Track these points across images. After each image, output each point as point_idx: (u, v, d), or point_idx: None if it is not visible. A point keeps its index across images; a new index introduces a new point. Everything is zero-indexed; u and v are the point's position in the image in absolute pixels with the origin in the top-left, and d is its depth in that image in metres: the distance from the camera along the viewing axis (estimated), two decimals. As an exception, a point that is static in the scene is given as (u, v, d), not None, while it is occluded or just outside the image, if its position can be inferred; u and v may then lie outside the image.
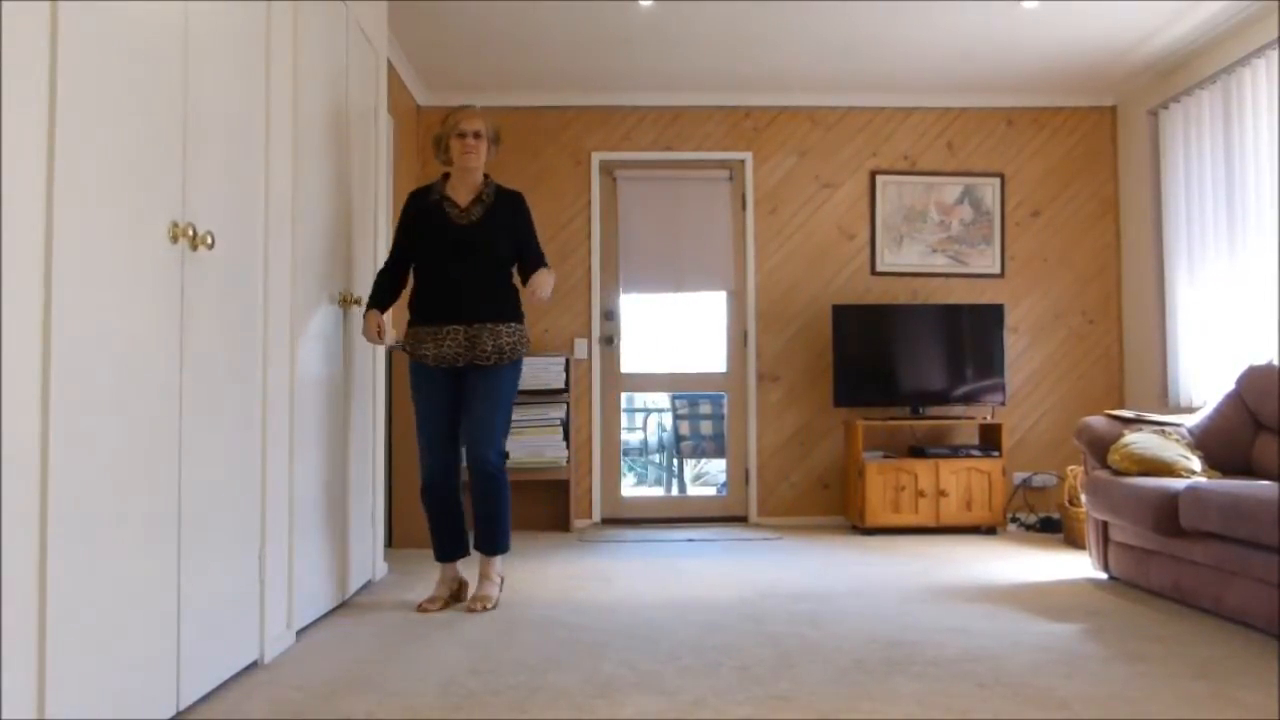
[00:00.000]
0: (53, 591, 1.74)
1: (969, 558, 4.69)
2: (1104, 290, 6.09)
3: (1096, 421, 4.25)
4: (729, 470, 6.15)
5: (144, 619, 2.08)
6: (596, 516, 5.95)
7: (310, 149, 3.23)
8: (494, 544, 3.60)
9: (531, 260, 3.64)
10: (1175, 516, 3.50)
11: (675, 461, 7.81)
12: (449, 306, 3.52)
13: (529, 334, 3.71)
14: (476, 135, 3.60)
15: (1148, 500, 3.61)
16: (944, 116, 6.11)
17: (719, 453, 6.99)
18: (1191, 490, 3.43)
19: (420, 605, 3.51)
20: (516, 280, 3.67)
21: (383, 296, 3.66)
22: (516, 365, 3.61)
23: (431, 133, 3.78)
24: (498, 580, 3.63)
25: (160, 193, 2.15)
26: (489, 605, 3.51)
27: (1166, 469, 3.88)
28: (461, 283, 3.53)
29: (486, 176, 3.68)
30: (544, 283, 3.53)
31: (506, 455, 3.66)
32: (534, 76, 5.73)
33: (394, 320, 5.29)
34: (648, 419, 8.37)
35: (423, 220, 3.60)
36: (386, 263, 3.70)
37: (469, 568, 3.81)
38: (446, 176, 3.67)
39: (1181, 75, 5.39)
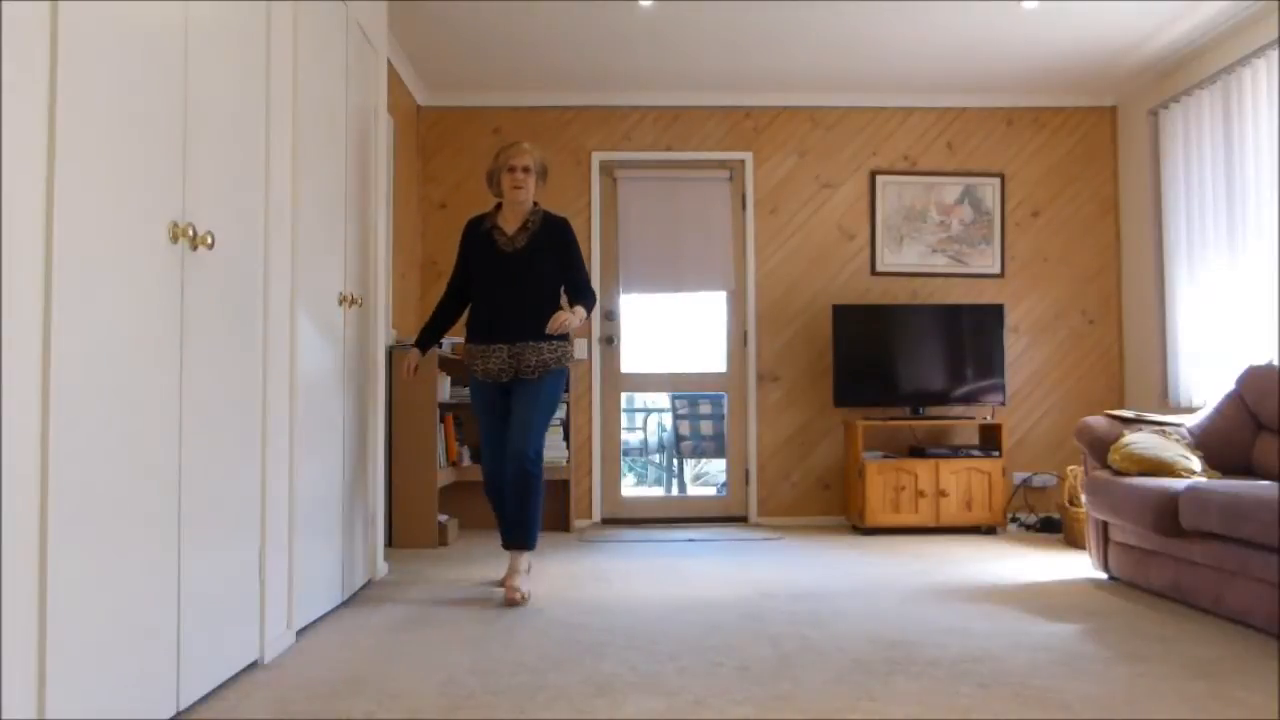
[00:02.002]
0: (53, 591, 1.74)
1: (969, 558, 4.69)
2: (1104, 290, 6.09)
3: (1096, 421, 4.25)
4: (729, 470, 6.15)
5: (144, 619, 2.08)
6: (596, 516, 5.95)
7: (310, 149, 3.23)
8: (522, 540, 3.79)
9: (574, 281, 3.91)
10: (1175, 516, 3.50)
11: (675, 461, 7.81)
12: (494, 328, 3.83)
13: (572, 348, 3.98)
14: (525, 170, 3.87)
15: (1148, 500, 3.61)
16: (944, 116, 6.11)
17: (719, 453, 6.99)
18: (1191, 490, 3.42)
19: (508, 595, 3.63)
20: (564, 300, 3.93)
21: (428, 336, 4.06)
22: (560, 374, 3.89)
23: (485, 169, 4.07)
24: (526, 573, 3.81)
25: (160, 193, 2.15)
26: (524, 598, 3.64)
27: (1166, 469, 3.88)
28: (505, 306, 3.82)
29: (535, 205, 3.95)
30: (568, 319, 3.75)
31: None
32: (534, 76, 5.73)
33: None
34: (648, 419, 8.37)
35: (475, 248, 3.93)
36: (446, 290, 4.06)
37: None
38: (499, 207, 3.97)
39: (1181, 75, 5.39)
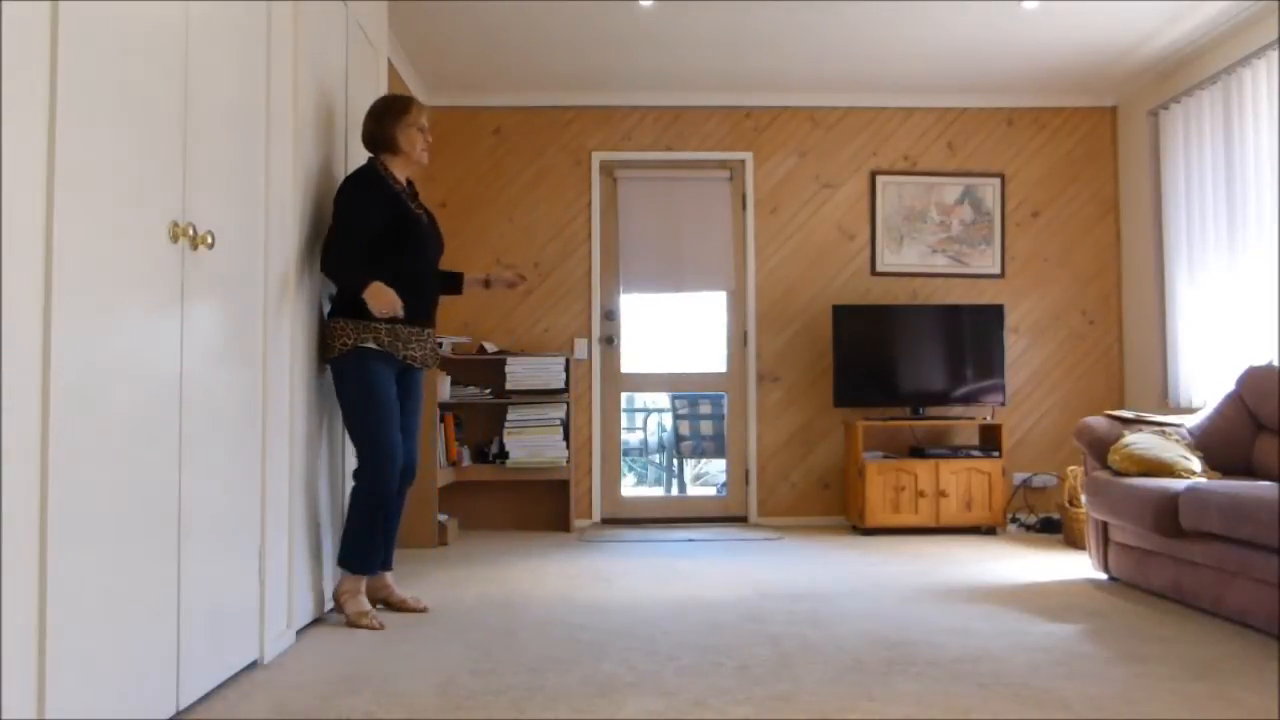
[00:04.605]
0: (53, 591, 1.74)
1: (969, 558, 4.69)
2: (1104, 290, 6.09)
3: (1096, 422, 4.25)
4: (729, 470, 6.15)
5: (144, 619, 2.08)
6: (596, 516, 5.95)
7: (310, 149, 3.23)
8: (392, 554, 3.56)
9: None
10: (1175, 517, 3.50)
11: (675, 461, 7.81)
12: (426, 306, 3.45)
13: None
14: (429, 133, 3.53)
15: (1148, 501, 3.61)
16: (944, 116, 6.11)
17: (719, 453, 6.99)
18: (1191, 490, 3.42)
19: (369, 623, 3.24)
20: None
21: (367, 271, 3.25)
22: None
23: (377, 112, 3.46)
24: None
25: (160, 193, 2.15)
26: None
27: (1166, 469, 3.88)
28: (426, 282, 3.45)
29: None
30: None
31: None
32: (534, 76, 5.73)
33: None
34: (648, 419, 8.37)
35: (395, 204, 3.35)
36: (354, 245, 3.23)
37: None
38: (379, 162, 3.42)
39: (1182, 76, 5.39)
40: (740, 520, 6.01)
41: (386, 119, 3.44)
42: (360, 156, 3.84)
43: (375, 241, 3.29)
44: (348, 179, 3.36)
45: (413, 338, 3.39)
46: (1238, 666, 2.75)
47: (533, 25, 4.98)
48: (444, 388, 5.33)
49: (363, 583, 3.36)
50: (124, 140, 1.99)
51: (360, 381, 3.28)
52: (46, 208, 1.74)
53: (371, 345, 3.27)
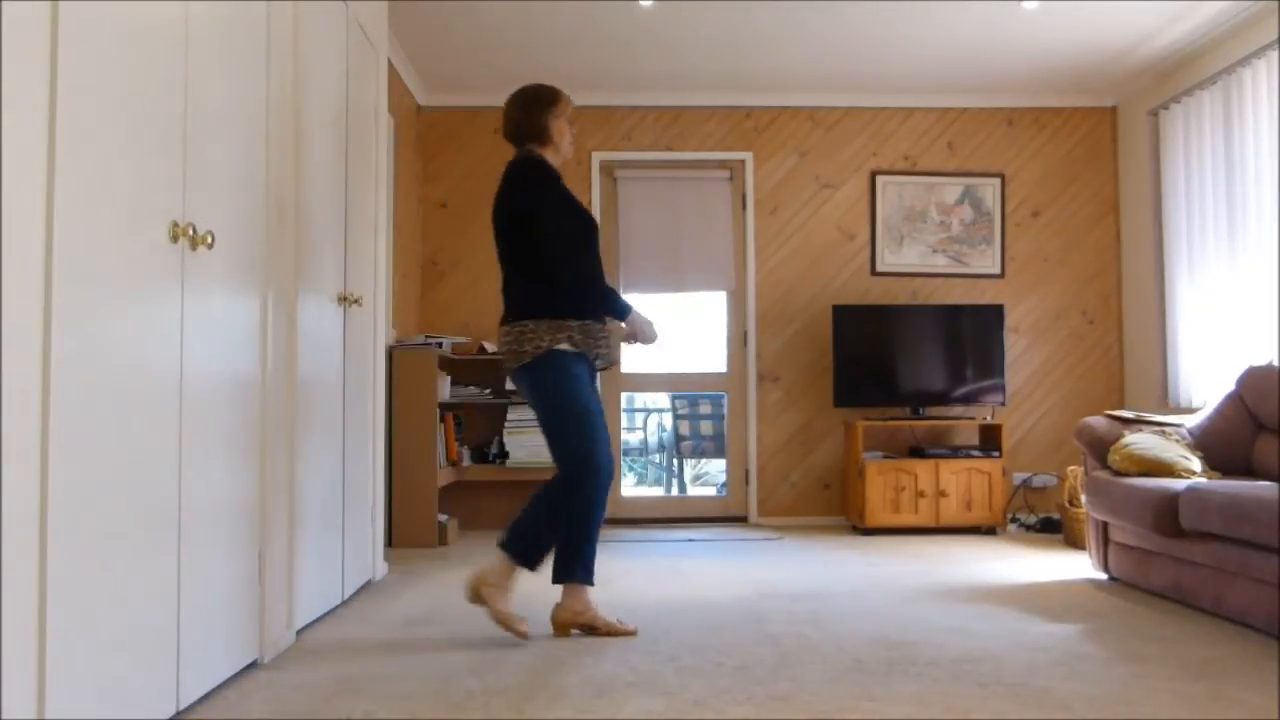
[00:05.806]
0: (53, 591, 1.74)
1: (969, 558, 4.69)
2: (1104, 290, 6.09)
3: (1096, 422, 4.25)
4: (729, 470, 6.15)
5: (144, 619, 2.08)
6: (596, 516, 5.94)
7: (310, 148, 3.23)
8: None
9: None
10: (1175, 517, 3.50)
11: (675, 461, 7.81)
12: (603, 305, 3.22)
13: None
14: None
15: (1148, 501, 3.61)
16: (944, 116, 6.11)
17: (719, 453, 6.99)
18: (1191, 491, 3.42)
19: (626, 629, 3.16)
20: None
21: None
22: None
23: (524, 102, 3.24)
24: None
25: (160, 193, 2.15)
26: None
27: (1167, 469, 3.88)
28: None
29: None
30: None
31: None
32: (534, 76, 5.72)
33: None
34: (648, 419, 8.37)
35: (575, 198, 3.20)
36: (580, 248, 3.14)
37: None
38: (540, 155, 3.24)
39: (1182, 76, 5.39)
40: (740, 520, 6.01)
41: (537, 109, 3.23)
42: (361, 157, 3.85)
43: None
44: (533, 170, 3.13)
45: (599, 334, 3.19)
46: (1238, 666, 2.75)
47: (533, 25, 4.98)
48: (444, 388, 5.33)
49: (590, 592, 3.19)
50: (124, 140, 1.99)
51: (560, 387, 3.08)
52: (46, 207, 1.74)
53: (566, 347, 3.08)
